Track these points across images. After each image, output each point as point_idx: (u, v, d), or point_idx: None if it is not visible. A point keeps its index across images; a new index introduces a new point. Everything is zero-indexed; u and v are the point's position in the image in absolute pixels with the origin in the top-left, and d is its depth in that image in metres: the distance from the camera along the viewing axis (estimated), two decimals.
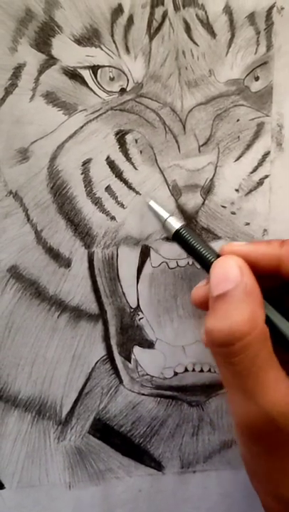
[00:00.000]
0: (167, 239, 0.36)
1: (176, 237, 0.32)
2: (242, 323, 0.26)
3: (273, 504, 0.28)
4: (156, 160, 0.34)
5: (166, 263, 0.36)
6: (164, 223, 0.32)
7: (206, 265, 0.30)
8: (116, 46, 0.33)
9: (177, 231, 0.31)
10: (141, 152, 0.34)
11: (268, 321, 0.27)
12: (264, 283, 0.28)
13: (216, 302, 0.27)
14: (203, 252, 0.30)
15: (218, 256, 0.30)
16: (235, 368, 0.26)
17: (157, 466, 0.38)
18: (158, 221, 0.33)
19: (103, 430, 0.37)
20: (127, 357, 0.37)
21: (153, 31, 0.33)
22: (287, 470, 0.27)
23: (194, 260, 0.31)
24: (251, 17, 0.34)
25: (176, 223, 0.32)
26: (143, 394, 0.37)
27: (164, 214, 0.32)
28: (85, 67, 0.33)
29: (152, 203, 0.33)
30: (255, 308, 0.27)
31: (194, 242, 0.31)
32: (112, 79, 0.33)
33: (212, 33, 0.33)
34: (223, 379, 0.28)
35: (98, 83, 0.33)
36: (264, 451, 0.27)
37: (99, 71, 0.33)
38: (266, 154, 0.36)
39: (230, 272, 0.28)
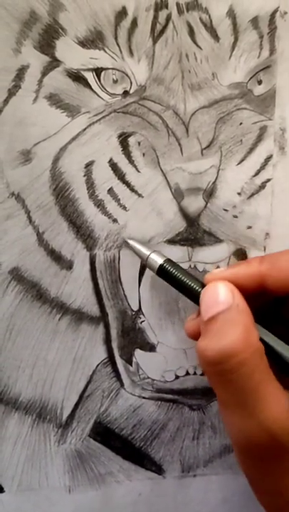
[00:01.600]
0: (169, 242, 0.36)
1: (161, 272, 0.32)
2: (236, 341, 0.26)
3: None
4: (158, 162, 0.34)
5: None
6: (146, 260, 0.33)
7: (194, 296, 0.31)
8: (120, 49, 0.33)
9: (161, 266, 0.32)
10: (144, 155, 0.34)
11: (261, 341, 0.27)
12: (250, 304, 0.28)
13: (208, 324, 0.27)
14: (189, 283, 0.31)
15: (203, 286, 0.30)
16: (232, 385, 0.26)
17: (158, 469, 0.38)
18: (140, 259, 0.33)
19: (104, 433, 0.37)
20: (128, 360, 0.37)
21: (157, 34, 0.33)
22: None
23: (181, 293, 0.32)
24: (255, 21, 0.34)
25: (159, 259, 0.32)
26: (144, 397, 0.37)
27: (146, 251, 0.33)
28: (88, 70, 0.33)
29: (132, 242, 0.34)
30: (249, 326, 0.27)
31: (179, 275, 0.32)
32: (115, 81, 0.33)
33: (215, 36, 0.33)
34: (220, 399, 0.27)
35: (101, 85, 0.33)
36: (267, 467, 0.27)
37: (102, 73, 0.33)
38: (269, 158, 0.36)
39: (220, 295, 0.28)
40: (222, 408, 0.28)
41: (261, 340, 0.27)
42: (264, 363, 0.26)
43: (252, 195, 0.36)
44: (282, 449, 0.26)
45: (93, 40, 0.32)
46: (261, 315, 0.29)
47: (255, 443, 0.26)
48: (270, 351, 0.28)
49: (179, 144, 0.34)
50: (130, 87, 0.34)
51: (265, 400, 0.26)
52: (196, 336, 0.30)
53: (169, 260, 0.32)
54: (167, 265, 0.32)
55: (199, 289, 0.30)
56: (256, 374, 0.26)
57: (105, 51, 0.33)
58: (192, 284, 0.31)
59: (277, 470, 0.27)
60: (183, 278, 0.31)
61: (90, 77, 0.33)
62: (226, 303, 0.27)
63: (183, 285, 0.31)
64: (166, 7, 0.33)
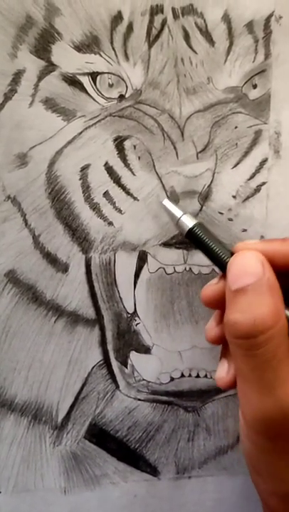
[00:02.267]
0: (164, 244, 0.36)
1: (190, 236, 0.31)
2: (267, 316, 0.26)
3: (277, 504, 0.28)
4: (154, 166, 0.35)
5: (164, 269, 0.36)
6: (177, 222, 0.31)
7: (220, 263, 0.30)
8: (115, 53, 0.33)
9: (190, 230, 0.31)
10: (139, 158, 0.35)
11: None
12: (279, 282, 0.28)
13: (237, 296, 0.27)
14: (216, 251, 0.30)
15: (232, 254, 0.29)
16: (255, 360, 0.26)
17: (153, 471, 0.38)
18: (172, 220, 0.32)
19: (99, 435, 0.37)
20: (124, 362, 0.37)
21: (152, 39, 0.33)
22: None
23: (208, 258, 0.31)
24: (250, 25, 0.34)
25: (189, 221, 0.31)
26: (139, 399, 0.37)
27: (178, 212, 0.31)
28: (84, 74, 0.33)
29: (166, 202, 0.32)
30: (278, 302, 0.27)
31: (208, 241, 0.30)
32: (111, 85, 0.34)
33: (211, 41, 0.34)
34: (239, 372, 0.28)
35: (97, 90, 0.33)
36: (275, 446, 0.27)
37: (98, 78, 0.33)
38: (264, 161, 0.36)
39: (251, 266, 0.27)
40: (241, 381, 0.28)
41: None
42: (287, 343, 0.26)
43: (247, 198, 0.36)
44: None
45: (89, 45, 0.33)
46: (287, 295, 0.28)
47: (269, 419, 0.26)
48: None
49: (175, 148, 0.34)
50: (126, 91, 0.34)
51: (284, 378, 0.26)
52: (212, 303, 0.30)
53: (200, 224, 0.31)
54: (197, 229, 0.31)
55: (227, 258, 0.29)
56: (280, 351, 0.26)
57: (101, 55, 0.33)
58: (220, 252, 0.30)
59: (283, 451, 0.27)
60: (211, 244, 0.30)
61: (85, 81, 0.33)
62: (256, 274, 0.27)
63: (210, 251, 0.30)
64: (162, 12, 0.33)
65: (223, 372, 0.30)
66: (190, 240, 0.31)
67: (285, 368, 0.26)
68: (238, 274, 0.27)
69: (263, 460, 0.28)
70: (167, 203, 0.32)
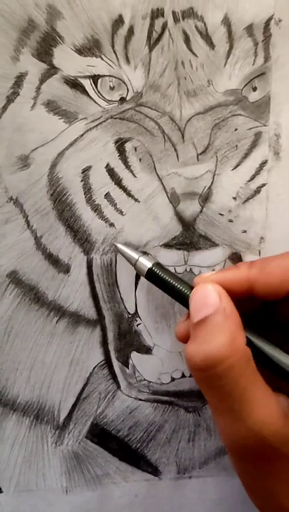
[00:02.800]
0: (165, 246, 0.36)
1: (150, 276, 0.32)
2: (222, 347, 0.26)
3: None
4: (155, 168, 0.35)
5: None
6: (135, 264, 0.33)
7: (183, 299, 0.31)
8: (116, 56, 0.33)
9: (150, 269, 0.32)
10: (140, 160, 0.35)
11: (249, 343, 0.28)
12: (240, 308, 0.28)
13: (196, 328, 0.27)
14: (178, 287, 0.31)
15: (192, 289, 0.30)
16: (219, 391, 0.26)
17: (154, 471, 0.39)
18: (129, 263, 0.33)
19: (100, 435, 0.38)
20: (125, 362, 0.37)
21: (153, 42, 0.33)
22: (285, 482, 0.27)
23: (170, 296, 0.32)
24: (249, 29, 0.34)
25: (147, 262, 0.32)
26: (140, 399, 0.38)
27: (135, 255, 0.33)
28: (85, 77, 0.33)
29: (120, 246, 0.34)
30: (235, 331, 0.27)
31: (168, 278, 0.32)
32: (112, 88, 0.34)
33: (211, 44, 0.34)
34: (210, 404, 0.28)
35: (98, 92, 0.34)
36: (259, 469, 0.27)
37: (99, 80, 0.34)
38: (263, 163, 0.36)
39: (208, 298, 0.28)
40: (213, 412, 0.28)
41: (250, 343, 0.27)
42: (251, 367, 0.26)
43: (247, 199, 0.37)
44: (273, 451, 0.26)
45: (90, 48, 0.33)
46: (252, 319, 0.29)
47: (246, 447, 0.26)
48: (259, 354, 0.28)
49: (175, 150, 0.35)
50: (127, 94, 0.34)
51: (253, 404, 0.26)
52: (185, 339, 0.30)
53: (157, 264, 0.32)
54: (156, 269, 0.32)
55: (188, 293, 0.30)
56: (243, 379, 0.26)
57: (102, 59, 0.33)
58: (181, 288, 0.31)
59: (268, 473, 0.27)
60: (172, 281, 0.31)
61: (87, 84, 0.33)
62: (213, 306, 0.27)
63: (172, 288, 0.32)
64: (162, 15, 0.33)
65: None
66: (150, 280, 0.32)
67: (252, 394, 0.26)
68: (198, 307, 0.28)
69: (252, 481, 0.29)
70: (122, 247, 0.34)
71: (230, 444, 0.27)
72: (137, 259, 0.33)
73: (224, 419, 0.27)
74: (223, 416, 0.27)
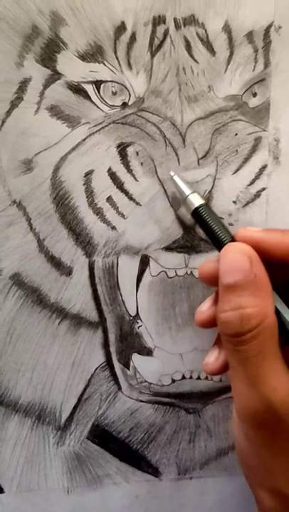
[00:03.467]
0: (166, 249, 0.36)
1: (195, 215, 0.32)
2: (252, 315, 0.27)
3: (267, 499, 0.29)
4: (156, 172, 0.35)
5: (165, 272, 0.37)
6: (185, 199, 0.33)
7: (219, 245, 0.31)
8: (119, 62, 0.34)
9: (196, 209, 0.32)
10: (142, 164, 0.35)
11: (276, 312, 0.28)
12: (275, 271, 0.28)
13: (227, 292, 0.28)
14: (217, 232, 0.31)
15: (232, 238, 0.30)
16: (241, 355, 0.27)
17: (154, 472, 0.39)
18: (180, 196, 0.33)
19: (101, 436, 0.38)
20: (126, 364, 0.38)
21: (155, 48, 0.34)
22: (283, 461, 0.28)
23: (208, 239, 0.32)
24: (249, 35, 0.35)
25: (196, 201, 0.32)
26: (141, 400, 0.38)
27: (186, 190, 0.33)
28: (88, 82, 0.34)
29: (176, 178, 0.33)
30: (265, 300, 0.27)
31: (211, 222, 0.31)
32: (114, 93, 0.34)
33: (212, 50, 0.34)
34: (230, 365, 0.29)
35: (101, 97, 0.34)
36: (263, 439, 0.28)
37: (102, 86, 0.34)
38: (263, 167, 0.37)
39: (239, 261, 0.28)
40: (232, 373, 0.29)
41: (277, 312, 0.28)
42: (274, 339, 0.27)
43: (247, 203, 0.37)
44: (278, 421, 0.27)
45: (93, 54, 0.34)
46: (282, 287, 0.29)
47: (254, 410, 0.27)
48: (282, 323, 0.28)
49: (176, 154, 0.35)
50: (129, 99, 0.35)
51: (269, 373, 0.27)
52: (208, 280, 0.31)
53: (205, 205, 0.32)
54: (202, 209, 0.32)
55: (226, 241, 0.30)
56: (264, 349, 0.27)
57: (105, 64, 0.34)
58: (220, 234, 0.31)
59: (273, 443, 0.28)
60: (213, 225, 0.31)
61: (89, 89, 0.34)
62: (243, 271, 0.27)
63: (211, 232, 0.31)
64: (164, 22, 0.34)
65: (211, 358, 0.31)
66: (194, 218, 0.32)
67: (270, 364, 0.27)
68: (227, 269, 0.28)
69: (253, 453, 0.29)
70: (177, 179, 0.33)
71: (241, 409, 0.28)
72: (188, 195, 0.32)
73: (240, 382, 0.28)
74: (239, 378, 0.28)
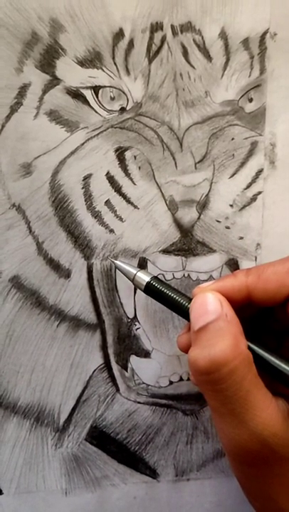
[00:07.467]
0: (164, 252, 0.37)
1: (148, 290, 0.32)
2: (226, 350, 0.26)
3: None
4: (154, 176, 0.36)
5: (163, 275, 0.37)
6: (133, 278, 0.33)
7: (182, 311, 0.31)
8: (117, 68, 0.34)
9: (148, 283, 0.32)
10: (139, 168, 0.36)
11: (249, 349, 0.28)
12: (238, 315, 0.29)
13: (198, 334, 0.28)
14: (177, 299, 0.31)
15: (190, 300, 0.31)
16: (223, 394, 0.26)
17: (152, 473, 0.39)
18: (127, 278, 0.34)
19: (100, 437, 0.38)
20: (124, 366, 0.38)
21: (152, 54, 0.34)
22: (284, 484, 0.27)
23: (170, 309, 0.32)
24: (245, 42, 0.35)
25: (145, 277, 0.33)
26: (139, 402, 0.38)
27: (132, 270, 0.33)
28: (87, 88, 0.34)
29: (118, 263, 0.34)
30: (237, 335, 0.27)
31: (167, 291, 0.32)
32: (112, 98, 0.35)
33: (208, 56, 0.35)
34: (212, 408, 0.28)
35: (99, 102, 0.35)
36: (259, 472, 0.28)
37: (100, 91, 0.35)
38: (259, 171, 0.37)
39: (209, 305, 0.28)
40: (214, 416, 0.28)
41: (249, 349, 0.28)
42: (253, 371, 0.27)
43: (244, 207, 0.37)
44: (273, 454, 0.26)
45: (92, 60, 0.34)
46: (249, 325, 0.29)
47: (247, 449, 0.27)
48: (258, 359, 0.28)
49: (174, 158, 0.36)
50: (127, 104, 0.35)
51: (255, 407, 0.26)
52: (187, 349, 0.30)
53: (155, 278, 0.33)
54: (154, 282, 0.32)
55: (187, 304, 0.31)
56: (245, 382, 0.26)
57: (103, 70, 0.34)
58: (180, 300, 0.31)
59: (268, 475, 0.27)
60: (170, 293, 0.32)
61: (88, 94, 0.35)
62: (215, 312, 0.28)
63: (171, 301, 0.32)
64: (162, 29, 0.34)
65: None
66: (148, 294, 0.33)
67: (254, 397, 0.26)
68: (199, 314, 0.28)
69: (252, 485, 0.29)
70: (120, 263, 0.34)
71: (231, 448, 0.28)
72: (136, 274, 0.33)
73: (226, 423, 0.27)
74: (225, 419, 0.27)
